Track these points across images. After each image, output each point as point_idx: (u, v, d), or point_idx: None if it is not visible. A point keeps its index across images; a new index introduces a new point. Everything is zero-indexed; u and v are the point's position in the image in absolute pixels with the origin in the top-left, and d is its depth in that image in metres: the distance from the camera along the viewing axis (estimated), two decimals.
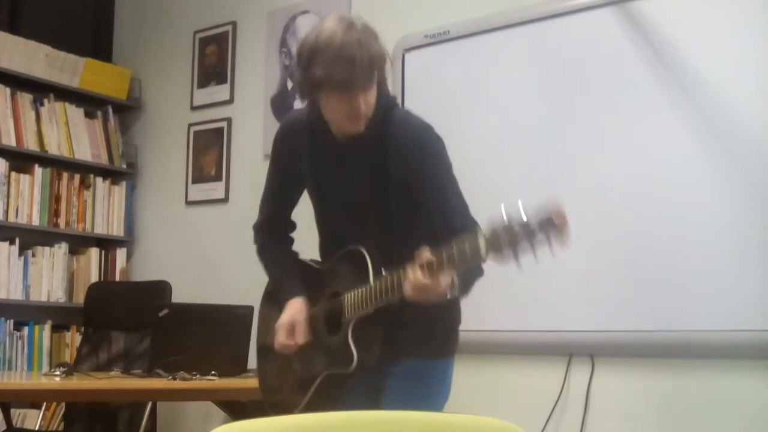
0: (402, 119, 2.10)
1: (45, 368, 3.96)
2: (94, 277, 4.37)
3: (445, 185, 2.07)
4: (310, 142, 2.16)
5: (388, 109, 2.08)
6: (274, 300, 2.29)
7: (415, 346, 2.09)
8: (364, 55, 1.90)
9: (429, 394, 2.10)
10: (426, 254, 1.83)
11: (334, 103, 1.98)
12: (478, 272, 2.04)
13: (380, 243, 2.06)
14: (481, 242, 1.72)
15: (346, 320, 2.05)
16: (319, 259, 2.28)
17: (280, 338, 2.14)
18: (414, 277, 1.85)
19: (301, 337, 2.11)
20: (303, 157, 2.18)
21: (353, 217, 2.13)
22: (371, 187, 2.09)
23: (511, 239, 1.67)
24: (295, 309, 2.15)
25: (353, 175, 2.10)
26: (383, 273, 1.99)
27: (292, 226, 2.34)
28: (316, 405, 2.14)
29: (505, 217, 1.68)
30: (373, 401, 2.08)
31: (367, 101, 1.97)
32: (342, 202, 2.15)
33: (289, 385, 2.24)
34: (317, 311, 2.16)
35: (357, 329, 2.04)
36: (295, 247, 2.34)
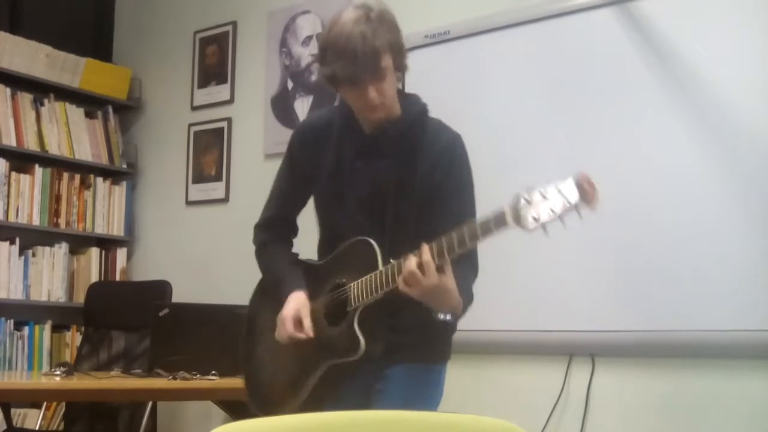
0: (437, 128, 2.13)
1: (45, 368, 3.96)
2: (94, 277, 4.37)
3: (464, 203, 2.08)
4: (336, 135, 2.14)
5: (420, 112, 2.13)
6: (269, 295, 2.24)
7: (409, 351, 2.08)
8: (367, 49, 1.93)
9: (423, 398, 2.08)
10: (425, 248, 1.83)
11: (348, 96, 2.04)
12: (473, 273, 2.05)
13: (393, 238, 2.03)
14: (507, 209, 1.73)
15: (352, 309, 2.01)
16: (315, 259, 2.24)
17: (288, 329, 2.06)
18: (407, 267, 1.84)
19: (310, 329, 2.05)
20: (321, 156, 2.15)
21: (366, 208, 2.10)
22: (393, 182, 2.07)
23: (537, 204, 1.70)
24: (299, 301, 2.10)
25: (375, 167, 2.09)
26: (391, 261, 1.95)
27: (296, 229, 2.30)
28: (312, 401, 2.10)
29: (528, 191, 1.72)
30: (365, 404, 2.06)
31: (381, 90, 1.99)
32: (357, 192, 2.11)
33: (283, 380, 2.19)
34: (317, 305, 2.13)
35: (363, 318, 1.99)
36: (294, 249, 2.31)
